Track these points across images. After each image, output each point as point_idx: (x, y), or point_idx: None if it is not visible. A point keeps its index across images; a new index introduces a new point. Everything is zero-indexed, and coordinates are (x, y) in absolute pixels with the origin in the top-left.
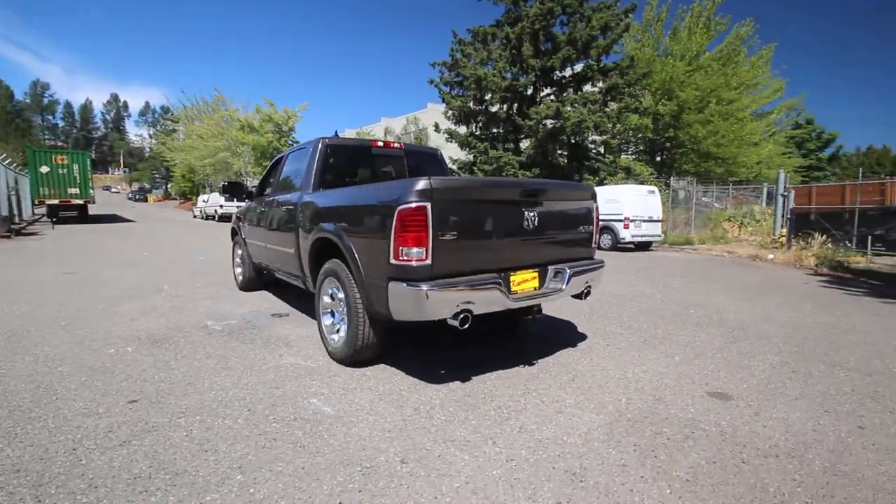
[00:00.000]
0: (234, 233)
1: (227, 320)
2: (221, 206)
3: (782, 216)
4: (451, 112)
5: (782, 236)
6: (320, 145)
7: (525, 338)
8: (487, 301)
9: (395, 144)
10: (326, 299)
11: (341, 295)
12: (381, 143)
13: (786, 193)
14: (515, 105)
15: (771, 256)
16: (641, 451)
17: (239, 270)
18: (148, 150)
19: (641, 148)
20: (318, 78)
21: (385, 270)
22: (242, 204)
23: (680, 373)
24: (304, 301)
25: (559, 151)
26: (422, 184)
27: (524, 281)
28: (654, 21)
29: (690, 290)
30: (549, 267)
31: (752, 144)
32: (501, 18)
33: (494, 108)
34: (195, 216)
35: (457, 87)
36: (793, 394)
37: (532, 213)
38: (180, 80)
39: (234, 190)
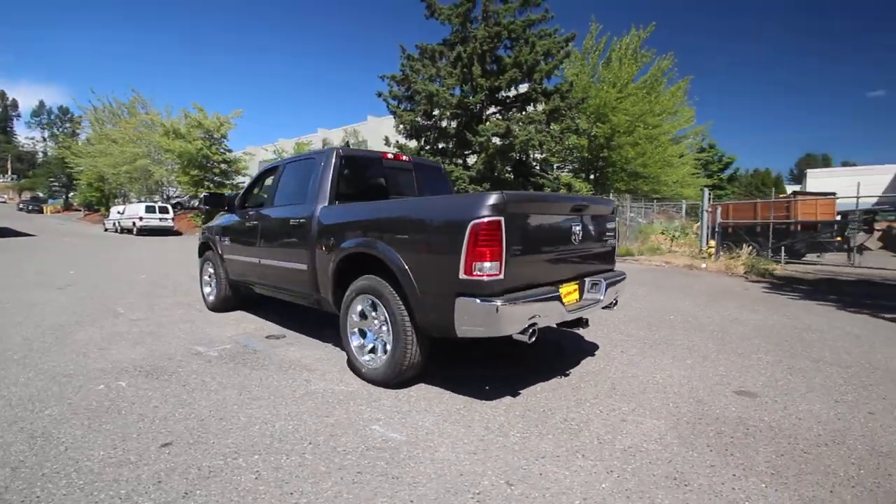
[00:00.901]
0: (205, 248)
1: (218, 345)
2: (141, 219)
3: (708, 229)
4: (402, 126)
5: (710, 248)
6: (335, 156)
7: (536, 349)
8: (550, 313)
9: (405, 157)
10: (355, 318)
11: (375, 313)
12: (391, 156)
13: (710, 209)
14: (465, 122)
15: (704, 266)
16: (717, 450)
17: (209, 290)
18: (42, 154)
19: (576, 166)
20: (251, 86)
21: (451, 286)
22: (163, 216)
23: (701, 375)
24: (293, 320)
25: (506, 168)
26: (495, 197)
27: (569, 293)
28: (591, 50)
29: (656, 298)
30: (586, 279)
31: (672, 166)
32: (449, 38)
33: (444, 124)
34: (107, 229)
35: (405, 102)
36: (801, 388)
37: (578, 227)
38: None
39: (216, 201)
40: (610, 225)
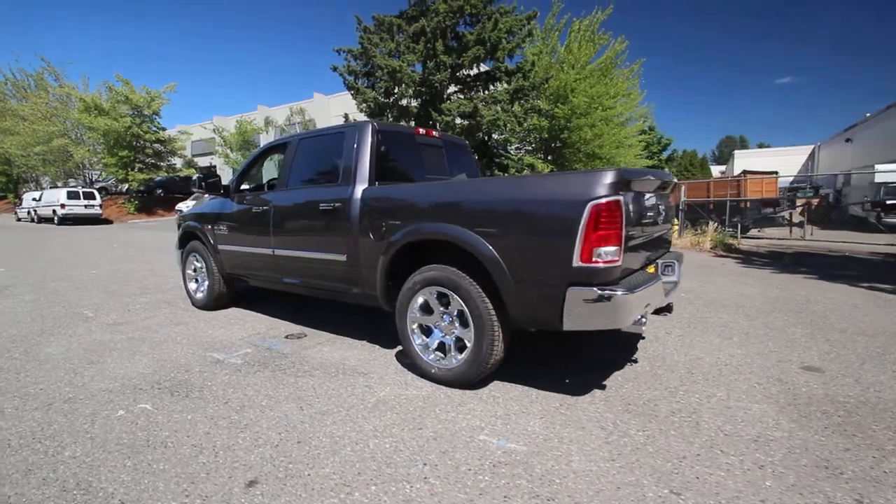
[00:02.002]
0: (189, 238)
1: (236, 350)
2: (63, 206)
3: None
4: (364, 105)
5: (675, 225)
6: (370, 130)
7: (580, 338)
8: (656, 299)
9: (435, 133)
10: (416, 314)
11: (446, 308)
12: (422, 132)
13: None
14: (428, 100)
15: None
16: (838, 432)
17: (195, 286)
18: None
19: (533, 147)
20: (181, 60)
21: (562, 275)
22: (89, 202)
23: (758, 352)
24: (304, 315)
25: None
26: (613, 174)
27: None
28: (551, 30)
29: None
30: (659, 261)
31: (627, 147)
32: (407, 10)
33: (404, 102)
34: (20, 219)
35: (364, 78)
36: (853, 360)
37: (662, 206)
38: None
39: (213, 186)
40: (670, 203)
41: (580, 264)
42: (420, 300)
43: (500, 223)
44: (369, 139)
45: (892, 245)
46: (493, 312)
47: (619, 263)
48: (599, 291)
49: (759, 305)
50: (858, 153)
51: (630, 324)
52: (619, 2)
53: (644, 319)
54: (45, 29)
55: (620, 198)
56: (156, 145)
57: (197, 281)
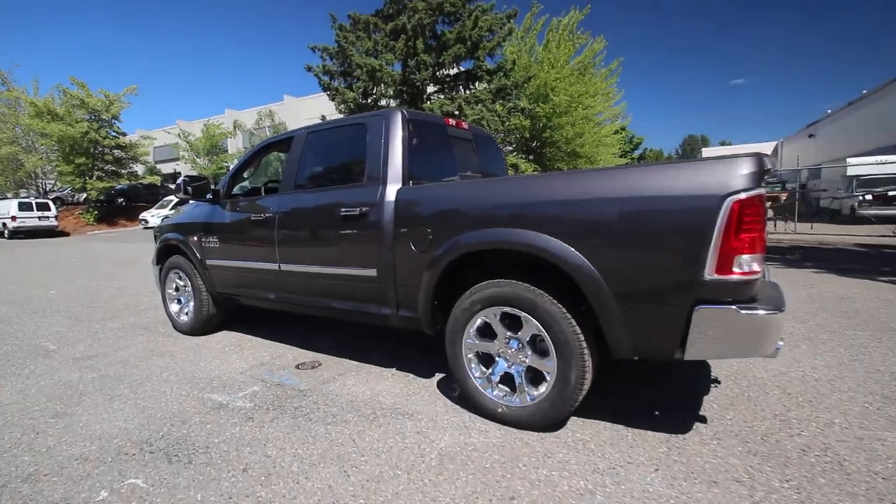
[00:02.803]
0: (169, 253)
1: (240, 388)
2: (14, 218)
3: None
4: (342, 105)
5: None
6: (401, 119)
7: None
8: None
9: (464, 125)
10: (473, 340)
11: (516, 332)
12: (452, 122)
13: None
14: (408, 100)
15: None
16: None
17: (177, 307)
18: None
19: (515, 146)
20: (141, 62)
21: (687, 291)
22: (43, 214)
23: (839, 362)
24: (308, 337)
25: None
26: (754, 162)
27: None
28: (530, 29)
29: None
30: None
31: (605, 145)
32: (383, 8)
33: (383, 103)
34: None
35: (340, 78)
36: None
37: None
38: None
39: (200, 190)
40: None
41: (714, 277)
42: (478, 322)
43: (596, 227)
44: (400, 130)
45: (884, 236)
46: (581, 338)
47: (759, 275)
48: (743, 310)
49: (800, 306)
50: (822, 148)
51: (771, 351)
52: (582, 1)
53: (781, 344)
54: None
55: (764, 191)
56: (116, 151)
57: (180, 301)
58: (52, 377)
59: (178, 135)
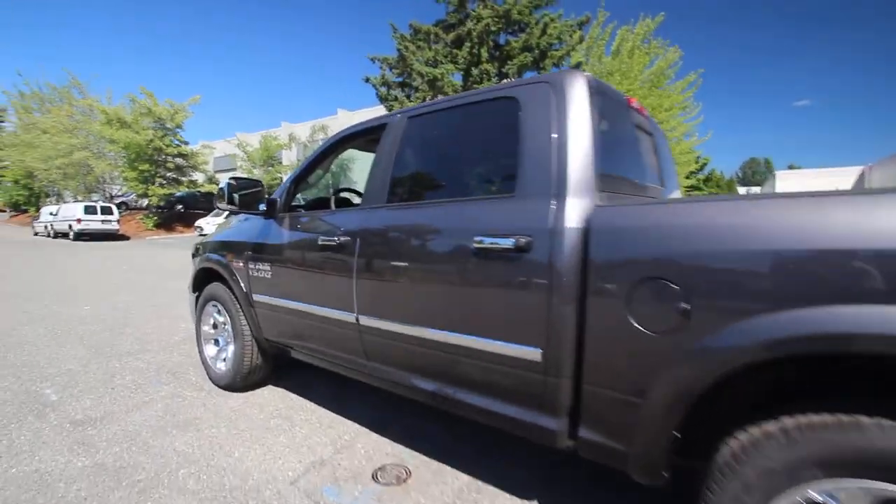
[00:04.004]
0: (208, 279)
1: None
2: (79, 221)
3: None
4: None
5: None
6: (585, 87)
7: None
8: None
9: (645, 111)
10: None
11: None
12: (635, 105)
13: None
14: None
15: None
16: None
17: (214, 350)
18: None
19: None
20: (206, 76)
21: None
22: (106, 218)
23: None
24: (391, 414)
25: None
26: None
27: None
28: (597, 39)
29: None
30: None
31: (679, 164)
32: (445, 18)
33: None
34: (37, 233)
35: (398, 88)
36: None
37: None
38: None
39: (250, 200)
40: None
41: None
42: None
43: None
44: (586, 107)
45: None
46: None
47: None
48: None
49: None
50: None
51: None
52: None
53: None
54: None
55: None
56: (177, 159)
57: (217, 343)
58: (31, 461)
59: (237, 145)
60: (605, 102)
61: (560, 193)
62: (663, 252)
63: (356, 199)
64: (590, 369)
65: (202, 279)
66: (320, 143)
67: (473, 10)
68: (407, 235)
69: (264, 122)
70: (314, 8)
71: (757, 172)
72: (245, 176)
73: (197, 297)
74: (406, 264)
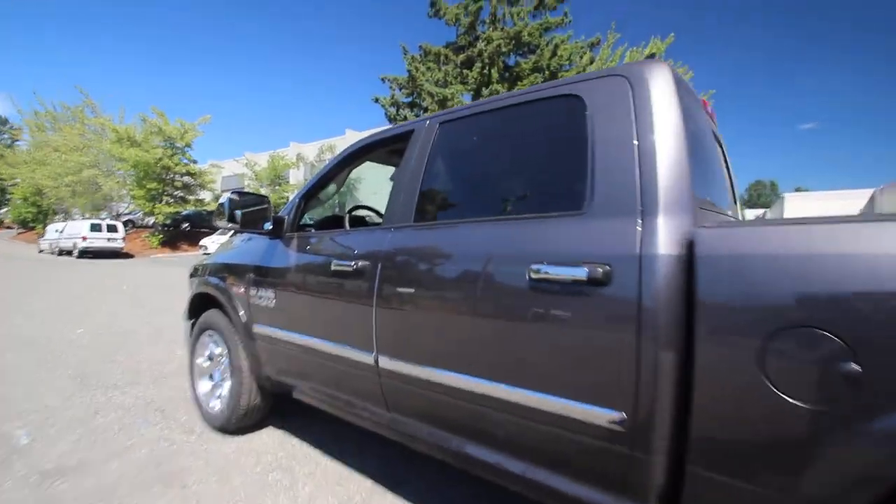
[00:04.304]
0: (205, 305)
1: None
2: (84, 238)
3: None
4: None
5: None
6: (671, 80)
7: None
8: None
9: (714, 116)
10: None
11: None
12: (709, 107)
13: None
14: None
15: None
16: None
17: (208, 386)
18: None
19: None
20: (215, 98)
21: None
22: (111, 236)
23: None
24: (404, 467)
25: None
26: None
27: None
28: (607, 60)
29: None
30: None
31: None
32: (455, 40)
33: None
34: (42, 250)
35: (406, 109)
36: None
37: None
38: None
39: (254, 217)
40: None
41: None
42: None
43: None
44: (674, 101)
45: None
46: None
47: None
48: None
49: None
50: None
51: None
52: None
53: None
54: (89, 64)
55: None
56: (185, 178)
57: (212, 378)
58: None
59: (246, 164)
60: (690, 100)
61: (649, 210)
62: (817, 291)
63: (375, 219)
64: (699, 445)
65: (199, 305)
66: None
67: (483, 33)
68: (440, 261)
69: (273, 143)
70: (324, 30)
71: (763, 195)
72: (249, 191)
73: (192, 325)
74: (439, 297)
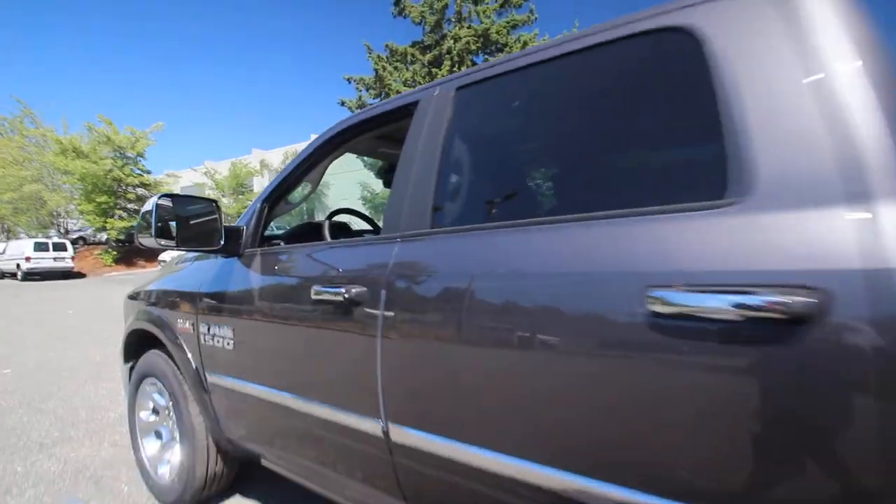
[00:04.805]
0: (145, 345)
1: None
2: (29, 259)
3: None
4: None
5: None
6: None
7: None
8: None
9: None
10: None
11: None
12: None
13: None
14: None
15: None
16: None
17: (156, 448)
18: None
19: None
20: (169, 103)
21: None
22: (59, 255)
23: None
24: None
25: None
26: None
27: None
28: None
29: None
30: None
31: None
32: (421, 40)
33: None
34: None
35: None
36: None
37: None
38: None
39: (201, 234)
40: None
41: None
42: None
43: None
44: (862, 25)
45: None
46: None
47: None
48: None
49: None
50: None
51: None
52: None
53: None
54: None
55: None
56: (139, 190)
57: (160, 436)
58: None
59: (205, 173)
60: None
61: (868, 193)
62: None
63: (366, 227)
64: None
65: (136, 344)
66: None
67: (450, 31)
68: (482, 285)
69: (234, 150)
70: (283, 28)
71: None
72: (189, 195)
73: (131, 370)
74: (482, 339)
